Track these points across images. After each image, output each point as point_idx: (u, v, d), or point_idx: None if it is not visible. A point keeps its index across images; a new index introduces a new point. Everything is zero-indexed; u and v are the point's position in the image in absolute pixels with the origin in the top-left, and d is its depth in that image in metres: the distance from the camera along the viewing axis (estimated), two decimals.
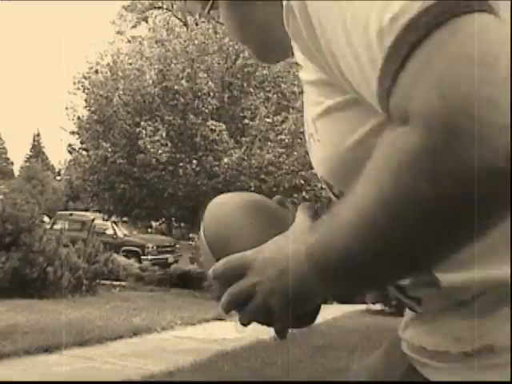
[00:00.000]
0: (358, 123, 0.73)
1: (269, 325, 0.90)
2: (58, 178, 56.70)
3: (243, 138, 16.64)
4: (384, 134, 0.61)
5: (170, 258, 18.01)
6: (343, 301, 11.03)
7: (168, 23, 20.31)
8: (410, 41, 0.57)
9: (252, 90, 17.70)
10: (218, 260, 0.91)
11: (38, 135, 68.45)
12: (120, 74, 17.58)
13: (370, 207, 0.61)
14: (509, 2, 0.64)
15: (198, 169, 16.58)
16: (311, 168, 15.00)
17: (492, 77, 0.53)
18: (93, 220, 17.82)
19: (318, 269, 0.72)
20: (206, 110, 16.75)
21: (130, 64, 17.90)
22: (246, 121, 16.81)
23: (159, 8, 37.87)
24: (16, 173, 61.43)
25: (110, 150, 16.60)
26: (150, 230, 25.16)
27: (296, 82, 18.69)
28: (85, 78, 18.09)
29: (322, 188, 17.33)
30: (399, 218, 0.59)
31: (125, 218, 18.84)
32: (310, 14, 0.67)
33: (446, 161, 0.55)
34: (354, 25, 0.62)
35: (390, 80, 0.59)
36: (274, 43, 0.96)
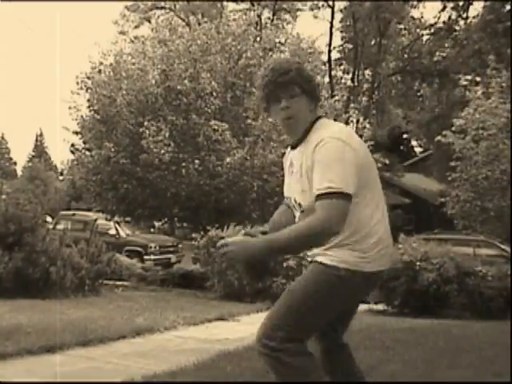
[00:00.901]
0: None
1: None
2: (61, 177, 56.79)
3: (246, 138, 16.63)
4: (313, 213, 2.38)
5: (173, 258, 18.02)
6: None
7: (171, 23, 20.32)
8: (320, 196, 2.37)
9: (255, 90, 17.68)
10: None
11: (41, 135, 68.56)
12: (123, 74, 17.58)
13: (298, 232, 2.40)
14: None
15: (200, 169, 16.57)
16: None
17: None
18: (95, 220, 17.83)
19: (271, 247, 2.47)
20: (209, 110, 16.74)
21: (133, 64, 17.90)
22: (249, 121, 16.80)
23: (162, 8, 37.88)
24: (19, 173, 61.56)
25: (112, 149, 16.59)
26: (152, 230, 25.14)
27: None
28: (88, 77, 18.09)
29: None
30: (301, 240, 2.40)
31: (127, 218, 18.84)
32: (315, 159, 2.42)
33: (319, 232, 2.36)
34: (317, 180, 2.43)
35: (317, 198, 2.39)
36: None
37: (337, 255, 2.47)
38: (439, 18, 34.28)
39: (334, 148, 2.35)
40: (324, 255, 2.49)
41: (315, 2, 36.57)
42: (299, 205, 2.54)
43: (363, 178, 2.48)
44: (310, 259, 2.61)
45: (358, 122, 26.37)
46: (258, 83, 2.63)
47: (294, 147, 2.60)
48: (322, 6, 36.45)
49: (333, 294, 2.53)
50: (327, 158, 2.35)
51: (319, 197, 2.31)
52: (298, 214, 2.63)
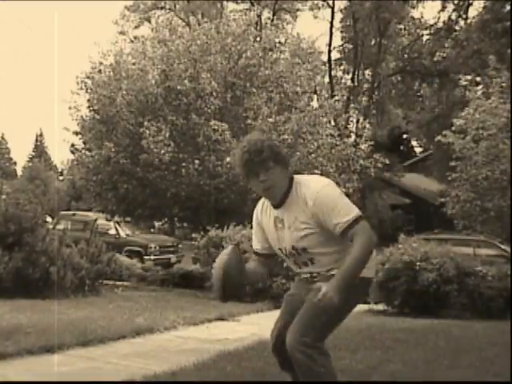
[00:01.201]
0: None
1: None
2: (61, 177, 56.79)
3: None
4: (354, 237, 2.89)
5: (173, 258, 18.00)
6: None
7: (171, 23, 20.31)
8: (351, 225, 2.87)
9: (255, 90, 17.68)
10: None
11: (41, 135, 68.54)
12: (123, 74, 17.58)
13: (359, 255, 2.84)
14: None
15: (200, 169, 16.57)
16: (314, 168, 14.99)
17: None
18: (95, 220, 17.82)
19: (347, 279, 2.86)
20: (209, 110, 16.74)
21: (133, 64, 17.90)
22: (249, 121, 16.80)
23: (162, 8, 37.90)
24: (19, 173, 61.52)
25: (113, 150, 16.60)
26: (152, 230, 25.14)
27: (298, 83, 18.67)
28: (88, 77, 18.09)
29: None
30: (363, 260, 2.87)
31: (127, 218, 18.84)
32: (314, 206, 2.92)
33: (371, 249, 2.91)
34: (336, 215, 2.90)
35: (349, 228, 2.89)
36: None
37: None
38: (439, 18, 34.32)
39: (330, 191, 2.96)
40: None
41: (315, 2, 36.60)
42: (302, 249, 3.00)
43: None
44: (315, 274, 3.08)
45: (358, 121, 26.38)
46: (236, 162, 3.05)
47: (275, 207, 3.04)
48: (322, 5, 36.48)
49: (353, 301, 3.13)
50: (332, 200, 2.92)
51: (350, 226, 2.89)
52: (289, 260, 3.10)
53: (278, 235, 3.05)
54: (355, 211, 2.93)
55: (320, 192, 2.92)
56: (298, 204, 2.94)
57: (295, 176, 3.06)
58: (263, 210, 3.16)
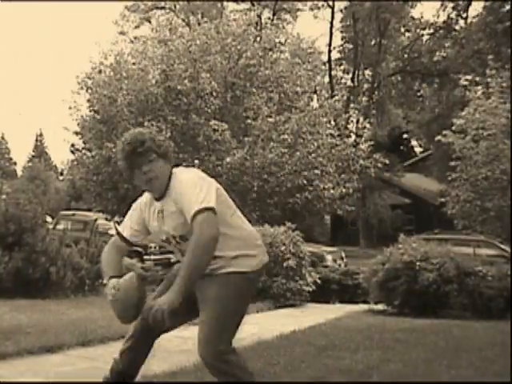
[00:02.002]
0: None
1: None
2: (61, 177, 56.75)
3: (246, 138, 16.63)
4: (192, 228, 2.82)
5: (173, 258, 17.98)
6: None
7: (171, 23, 20.34)
8: (194, 217, 2.80)
9: (254, 90, 17.69)
10: None
11: (41, 135, 68.52)
12: (123, 74, 17.59)
13: (189, 263, 2.82)
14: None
15: (200, 168, 16.57)
16: (314, 168, 14.97)
17: (212, 233, 2.79)
18: (95, 220, 17.81)
19: (184, 282, 2.81)
20: (209, 110, 16.75)
21: (133, 64, 17.91)
22: (249, 121, 16.80)
23: (162, 8, 37.87)
24: (19, 173, 61.50)
25: (113, 150, 16.60)
26: None
27: (298, 83, 18.69)
28: (88, 77, 18.10)
29: (324, 188, 17.31)
30: (198, 263, 2.81)
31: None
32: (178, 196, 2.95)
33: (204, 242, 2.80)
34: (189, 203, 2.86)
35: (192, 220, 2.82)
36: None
37: (240, 263, 3.02)
38: (438, 16, 34.32)
39: (190, 180, 2.98)
40: (230, 266, 3.00)
41: (315, 2, 36.60)
42: (180, 237, 3.04)
43: (228, 200, 3.15)
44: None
45: (358, 122, 26.42)
46: (118, 156, 3.08)
47: (157, 199, 3.10)
48: (322, 6, 36.48)
49: (247, 295, 3.12)
50: (188, 189, 2.92)
51: (193, 218, 2.83)
52: (175, 249, 3.17)
53: (160, 226, 3.10)
54: (205, 203, 2.86)
55: (182, 182, 2.96)
56: (171, 195, 2.99)
57: (174, 169, 3.11)
58: (147, 204, 3.21)
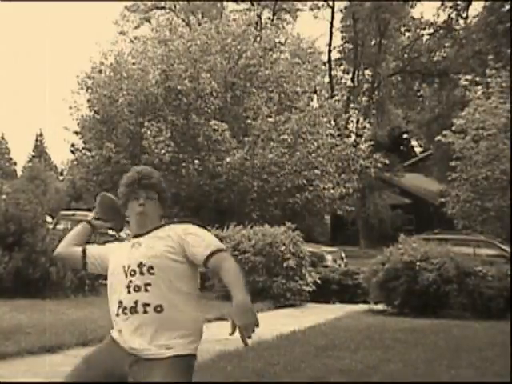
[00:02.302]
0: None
1: None
2: (61, 177, 56.75)
3: (246, 138, 16.64)
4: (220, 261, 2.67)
5: None
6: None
7: (171, 23, 20.33)
8: (214, 252, 2.66)
9: (254, 90, 17.70)
10: None
11: (41, 135, 68.49)
12: (123, 74, 17.60)
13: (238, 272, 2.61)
14: None
15: (200, 169, 16.57)
16: (314, 168, 15.03)
17: None
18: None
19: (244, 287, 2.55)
20: (209, 110, 16.75)
21: (134, 64, 17.92)
22: (249, 121, 16.81)
23: (162, 8, 37.84)
24: (19, 173, 61.47)
25: (113, 150, 16.61)
26: None
27: (298, 83, 18.68)
28: (88, 77, 18.10)
29: (324, 188, 17.32)
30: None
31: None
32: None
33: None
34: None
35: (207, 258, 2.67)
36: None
37: (187, 345, 2.61)
38: (438, 16, 34.30)
39: (197, 228, 2.90)
40: (174, 348, 2.56)
41: (315, 2, 36.57)
42: (149, 268, 2.68)
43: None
44: (140, 304, 2.64)
45: (357, 122, 26.38)
46: (123, 181, 3.00)
47: (137, 236, 2.95)
48: (322, 6, 36.45)
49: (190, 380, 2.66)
50: (200, 232, 2.85)
51: (215, 253, 2.69)
52: (124, 280, 2.73)
53: (129, 252, 2.83)
54: (223, 246, 2.79)
55: (189, 227, 2.87)
56: (164, 235, 2.83)
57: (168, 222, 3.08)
58: (120, 245, 3.07)
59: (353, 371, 4.59)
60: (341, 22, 36.60)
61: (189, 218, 18.93)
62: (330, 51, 35.18)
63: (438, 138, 18.43)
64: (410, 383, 4.37)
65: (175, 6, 37.22)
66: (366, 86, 36.92)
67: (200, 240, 2.76)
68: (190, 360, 2.65)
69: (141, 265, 2.72)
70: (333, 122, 19.49)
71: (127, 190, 2.97)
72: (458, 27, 33.26)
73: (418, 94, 39.12)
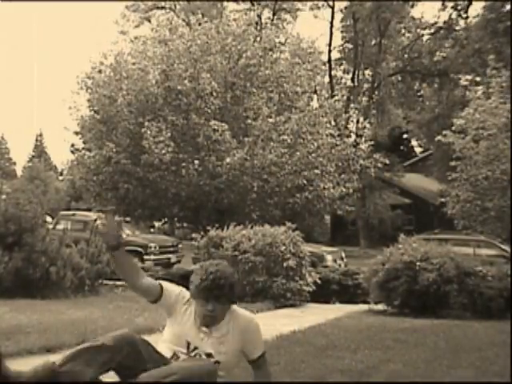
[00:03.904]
0: None
1: None
2: (61, 178, 56.72)
3: (246, 138, 16.63)
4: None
5: (173, 258, 17.97)
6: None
7: (171, 23, 20.31)
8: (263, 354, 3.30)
9: (255, 90, 17.69)
10: None
11: (41, 135, 68.52)
12: (123, 74, 17.59)
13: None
14: None
15: (200, 169, 16.57)
16: (314, 168, 15.03)
17: None
18: (95, 220, 17.80)
19: None
20: (209, 110, 16.74)
21: (133, 64, 17.90)
22: (249, 121, 16.80)
23: (162, 8, 37.85)
24: (19, 173, 61.47)
25: (113, 150, 16.60)
26: (152, 230, 25.14)
27: (298, 83, 18.67)
28: (88, 77, 18.09)
29: (324, 188, 17.31)
30: None
31: (127, 218, 18.84)
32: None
33: None
34: None
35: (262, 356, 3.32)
36: None
37: None
38: (439, 17, 34.33)
39: (258, 325, 3.19)
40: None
41: (315, 2, 36.55)
42: (207, 354, 3.04)
43: None
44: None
45: (358, 122, 26.40)
46: (194, 280, 3.12)
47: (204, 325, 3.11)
48: (322, 5, 36.43)
49: None
50: (259, 332, 3.18)
51: (261, 357, 3.23)
52: (178, 354, 3.17)
53: (200, 336, 3.10)
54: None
55: (252, 321, 3.17)
56: (229, 330, 3.10)
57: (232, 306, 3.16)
58: (187, 310, 3.24)
59: (353, 371, 4.59)
60: (341, 21, 36.58)
61: (189, 217, 18.97)
62: (330, 51, 35.19)
63: (438, 138, 18.45)
64: (410, 383, 4.37)
65: (175, 6, 37.23)
66: (365, 86, 36.90)
67: (255, 342, 3.21)
68: None
69: (209, 355, 3.05)
70: (333, 122, 19.48)
71: (196, 292, 3.10)
72: (458, 27, 33.24)
73: (418, 94, 39.13)
